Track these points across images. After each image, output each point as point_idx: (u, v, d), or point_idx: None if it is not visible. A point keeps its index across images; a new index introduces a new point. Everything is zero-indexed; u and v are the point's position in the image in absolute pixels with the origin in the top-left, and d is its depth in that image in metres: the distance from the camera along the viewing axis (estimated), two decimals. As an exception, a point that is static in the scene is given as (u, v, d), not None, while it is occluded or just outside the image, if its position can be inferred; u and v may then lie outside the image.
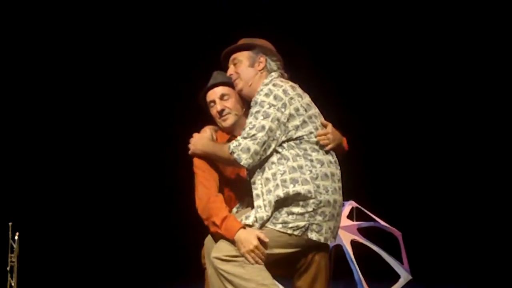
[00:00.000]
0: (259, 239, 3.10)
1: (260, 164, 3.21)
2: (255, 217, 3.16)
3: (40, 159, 7.66)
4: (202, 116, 3.61)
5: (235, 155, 3.16)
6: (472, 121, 8.01)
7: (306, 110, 3.25)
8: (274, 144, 3.19)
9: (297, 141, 3.21)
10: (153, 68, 8.05)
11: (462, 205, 7.95)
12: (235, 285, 3.11)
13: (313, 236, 3.16)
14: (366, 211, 5.51)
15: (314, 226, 3.16)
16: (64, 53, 7.69)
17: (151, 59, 8.01)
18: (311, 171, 3.16)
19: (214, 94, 3.46)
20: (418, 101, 8.14)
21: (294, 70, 3.55)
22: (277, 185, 3.13)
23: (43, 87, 7.66)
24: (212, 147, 3.36)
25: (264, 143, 3.16)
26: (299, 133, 3.21)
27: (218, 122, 3.49)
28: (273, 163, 3.19)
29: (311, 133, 3.23)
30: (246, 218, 3.18)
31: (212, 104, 3.47)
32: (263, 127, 3.16)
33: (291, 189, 3.11)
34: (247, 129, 3.19)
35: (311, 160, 3.18)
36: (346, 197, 5.37)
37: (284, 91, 3.23)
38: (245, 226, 3.15)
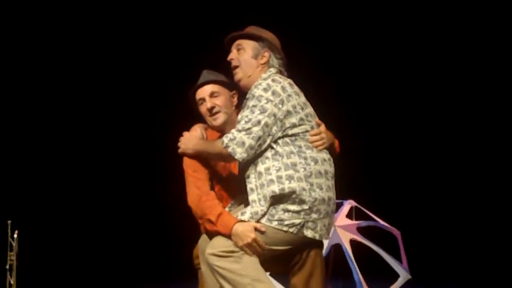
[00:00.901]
0: (256, 230, 3.10)
1: (253, 158, 3.20)
2: (251, 212, 3.15)
3: (38, 158, 7.68)
4: (192, 115, 3.58)
5: (229, 149, 3.14)
6: (470, 119, 8.00)
7: (302, 109, 3.24)
8: (269, 140, 3.17)
9: (293, 138, 3.20)
10: (143, 66, 8.05)
11: (460, 204, 7.94)
12: (230, 281, 3.11)
13: (308, 233, 3.16)
14: (365, 210, 5.53)
15: (309, 224, 3.16)
16: (59, 51, 7.69)
17: (143, 58, 8.01)
18: (305, 169, 3.15)
19: (203, 92, 3.44)
20: (416, 100, 8.12)
21: (290, 68, 3.53)
22: (272, 180, 3.12)
23: (39, 85, 7.67)
24: (202, 145, 3.34)
25: (259, 138, 3.15)
26: (295, 130, 3.20)
27: (208, 121, 3.46)
28: (267, 158, 3.18)
29: (306, 131, 3.23)
30: (242, 214, 3.17)
31: (201, 102, 3.45)
32: (259, 122, 3.14)
33: (287, 186, 3.10)
34: (242, 122, 3.17)
35: (305, 158, 3.17)
36: (345, 196, 5.43)
37: (283, 88, 3.21)
38: (241, 220, 3.14)
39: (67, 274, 7.42)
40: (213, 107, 3.40)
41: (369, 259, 5.44)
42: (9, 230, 5.49)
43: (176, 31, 7.96)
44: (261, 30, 3.45)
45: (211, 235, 3.24)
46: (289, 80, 3.32)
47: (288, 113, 3.19)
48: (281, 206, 3.13)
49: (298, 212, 3.13)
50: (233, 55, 3.38)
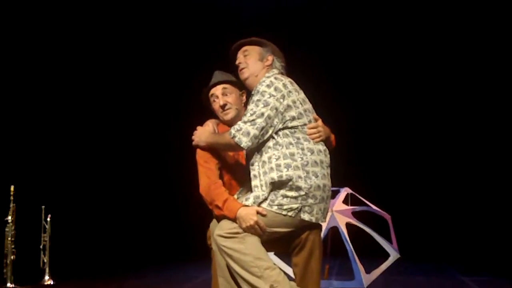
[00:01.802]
0: (258, 213, 3.23)
1: (258, 147, 3.32)
2: (253, 196, 3.28)
3: (67, 150, 7.97)
4: (204, 111, 3.70)
5: (236, 139, 3.26)
6: (456, 109, 8.19)
7: (302, 104, 3.37)
8: (271, 130, 3.29)
9: (292, 130, 3.32)
10: (162, 65, 8.32)
11: (445, 191, 8.30)
12: (235, 259, 3.23)
13: (305, 216, 3.27)
14: (359, 197, 5.62)
15: (306, 208, 3.26)
16: (78, 46, 7.97)
17: (163, 57, 8.31)
18: (302, 158, 3.26)
19: (216, 90, 3.56)
20: (404, 93, 8.32)
21: (290, 70, 3.67)
22: (272, 168, 3.25)
23: (74, 80, 7.93)
24: (213, 138, 3.44)
25: (262, 129, 3.27)
26: (295, 123, 3.32)
27: (220, 116, 3.57)
28: (269, 147, 3.29)
29: (305, 124, 3.34)
30: (247, 199, 3.30)
31: (215, 99, 3.56)
32: (262, 114, 3.27)
33: (284, 173, 3.22)
34: (248, 115, 3.29)
35: (302, 149, 3.28)
36: (341, 184, 5.49)
37: (284, 85, 3.35)
38: (245, 205, 3.28)
39: (93, 253, 7.69)
40: (225, 104, 3.54)
41: (363, 240, 5.54)
42: (43, 214, 5.92)
43: (192, 32, 8.19)
44: (264, 40, 3.59)
45: (220, 219, 3.38)
46: (289, 79, 3.46)
47: (288, 107, 3.32)
48: (281, 192, 3.25)
49: (295, 197, 3.24)
50: (240, 59, 3.53)
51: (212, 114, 3.64)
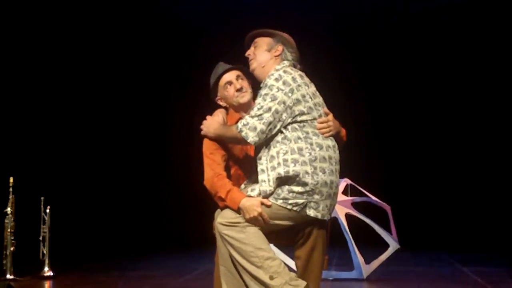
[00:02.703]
0: (263, 204, 3.21)
1: (266, 142, 3.26)
2: (259, 190, 3.24)
3: (66, 142, 8.00)
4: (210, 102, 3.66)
5: (243, 133, 3.23)
6: (456, 101, 8.24)
7: (311, 98, 3.30)
8: (279, 125, 3.24)
9: (301, 124, 3.26)
10: (162, 62, 8.38)
11: (444, 182, 8.34)
12: (235, 248, 3.22)
13: (311, 212, 3.23)
14: (359, 187, 5.65)
15: (312, 204, 3.22)
16: (75, 41, 7.99)
17: (163, 56, 8.35)
18: (310, 154, 3.21)
19: (230, 76, 3.53)
20: (403, 87, 8.37)
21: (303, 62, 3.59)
22: (279, 163, 3.20)
23: (81, 77, 8.00)
24: (222, 130, 3.40)
25: (270, 123, 3.22)
26: (304, 118, 3.26)
27: (235, 100, 3.52)
28: (277, 142, 3.24)
29: (314, 119, 3.28)
30: (252, 190, 3.27)
31: (228, 85, 3.53)
32: (269, 109, 3.22)
33: (291, 169, 3.17)
34: (255, 109, 3.25)
35: (311, 144, 3.22)
36: (341, 175, 5.26)
37: (293, 78, 3.28)
38: (248, 196, 3.25)
39: (92, 245, 7.70)
40: (242, 87, 3.49)
41: (362, 231, 5.61)
42: (42, 206, 5.86)
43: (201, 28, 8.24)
44: (275, 30, 3.52)
45: (223, 209, 3.36)
46: (300, 72, 3.38)
47: (297, 101, 3.25)
48: (287, 187, 3.21)
49: (301, 193, 3.20)
50: (250, 51, 3.49)
51: (214, 108, 3.59)
